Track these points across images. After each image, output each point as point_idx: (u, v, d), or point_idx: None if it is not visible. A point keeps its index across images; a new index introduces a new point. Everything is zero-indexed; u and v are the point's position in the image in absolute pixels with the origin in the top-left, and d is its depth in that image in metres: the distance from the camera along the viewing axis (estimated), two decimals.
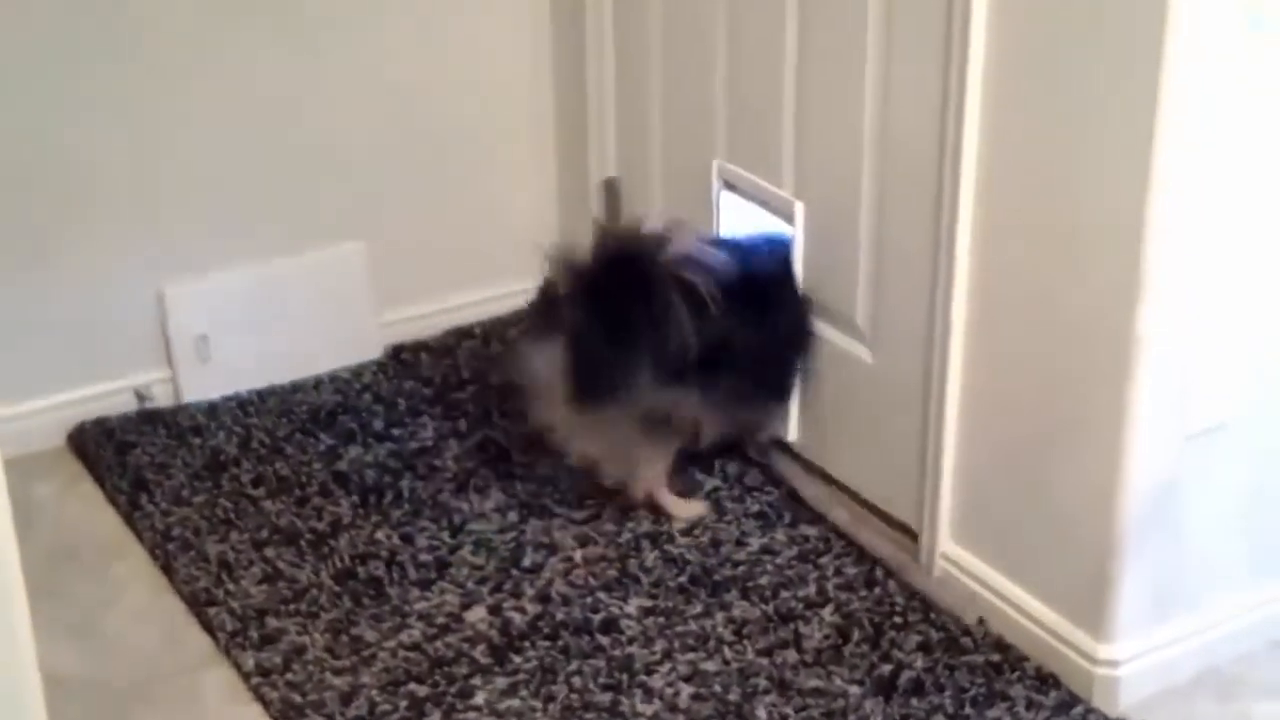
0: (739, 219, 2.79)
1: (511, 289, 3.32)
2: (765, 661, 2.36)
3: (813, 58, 2.56)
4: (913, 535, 2.56)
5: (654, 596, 2.50)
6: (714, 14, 2.75)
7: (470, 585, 2.53)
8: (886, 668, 2.34)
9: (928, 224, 2.37)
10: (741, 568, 2.56)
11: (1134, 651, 2.29)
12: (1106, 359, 2.14)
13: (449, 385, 3.09)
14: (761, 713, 2.27)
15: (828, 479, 2.74)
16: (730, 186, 2.80)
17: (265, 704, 2.32)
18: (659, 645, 2.40)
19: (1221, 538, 2.32)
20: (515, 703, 2.30)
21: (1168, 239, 2.05)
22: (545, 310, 2.57)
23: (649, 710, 2.29)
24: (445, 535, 2.65)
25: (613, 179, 3.14)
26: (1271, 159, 2.09)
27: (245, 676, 2.36)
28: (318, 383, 3.10)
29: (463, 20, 3.13)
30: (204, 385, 3.03)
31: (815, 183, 2.62)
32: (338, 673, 2.35)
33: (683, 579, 2.54)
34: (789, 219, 2.66)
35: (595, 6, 3.02)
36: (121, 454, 2.87)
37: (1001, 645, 2.38)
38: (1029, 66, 2.15)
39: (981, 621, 2.42)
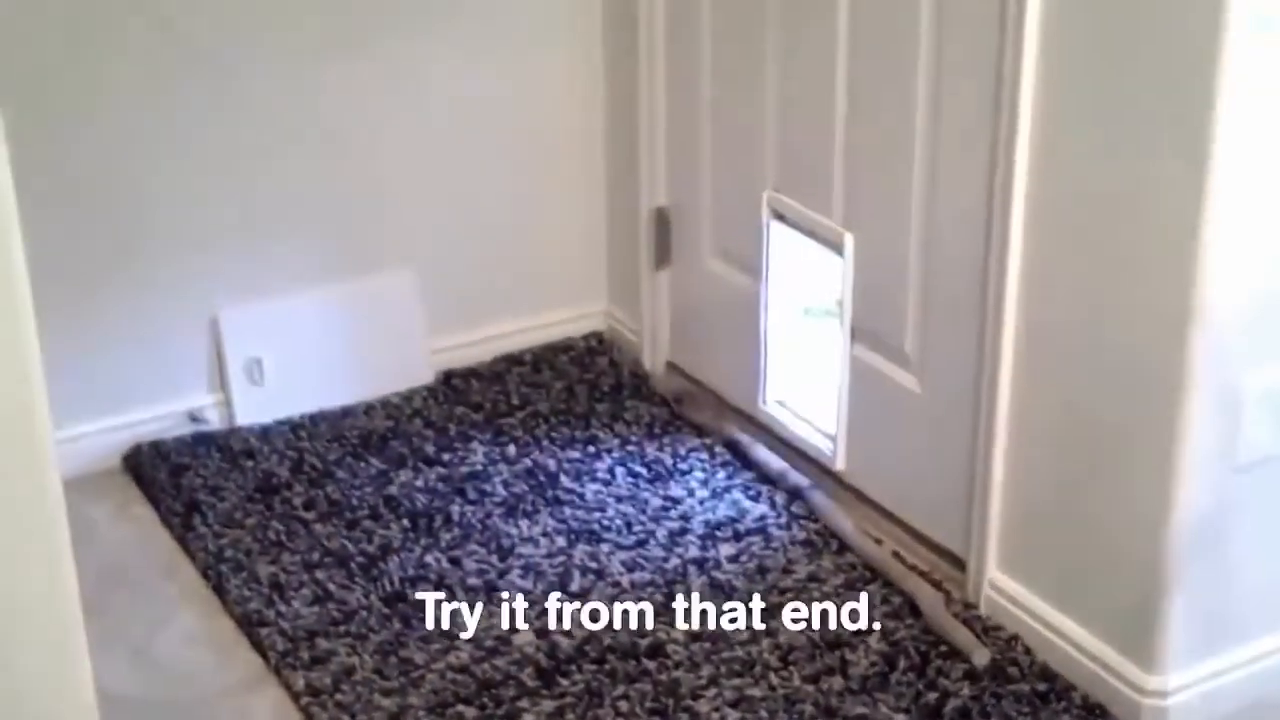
0: (789, 250, 2.81)
1: (561, 316, 3.35)
2: (811, 688, 2.37)
3: (863, 90, 2.58)
4: (960, 563, 2.57)
5: (701, 622, 2.51)
6: (764, 46, 2.77)
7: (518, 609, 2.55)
8: (932, 696, 2.34)
9: (977, 254, 2.37)
10: (788, 594, 2.57)
11: (1182, 682, 2.28)
12: (1155, 390, 2.14)
13: (499, 411, 3.11)
14: None
15: (875, 507, 2.75)
16: (779, 217, 2.82)
17: None
18: (705, 670, 2.40)
19: (1271, 570, 2.31)
20: None
21: (1219, 272, 2.05)
22: None
23: None
24: (494, 559, 2.67)
25: (663, 208, 3.16)
26: None
27: (295, 697, 2.39)
28: (369, 407, 3.13)
29: (515, 51, 3.16)
30: (257, 409, 3.07)
31: (864, 214, 2.63)
32: (386, 694, 2.37)
33: (730, 605, 2.54)
34: (838, 250, 2.67)
35: (647, 36, 3.04)
36: (175, 476, 2.90)
37: (1048, 674, 2.38)
38: (1080, 97, 2.16)
39: (1008, 653, 2.42)
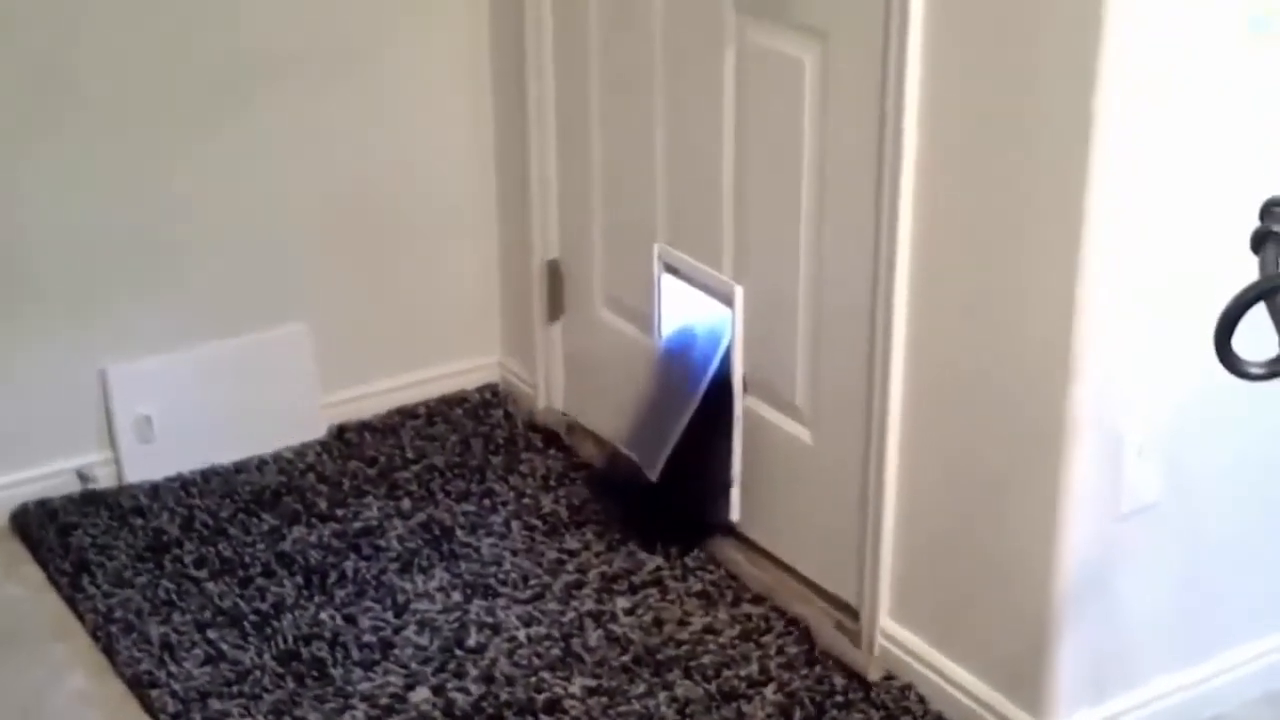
0: (680, 302, 2.84)
1: (454, 369, 3.35)
2: None
3: (750, 145, 2.61)
4: (854, 613, 2.59)
5: (598, 676, 2.51)
6: (653, 101, 2.80)
7: (414, 665, 2.53)
8: None
9: (864, 308, 2.41)
10: (685, 647, 2.58)
11: None
12: (1040, 443, 2.18)
13: (393, 465, 3.10)
14: None
15: (769, 557, 2.77)
16: (671, 270, 2.84)
17: None
18: None
19: (1156, 616, 2.35)
20: None
21: (1098, 325, 2.09)
22: None
23: None
24: (389, 615, 2.65)
25: (555, 261, 3.17)
26: (1196, 245, 2.15)
27: None
28: (261, 463, 3.10)
29: (405, 104, 3.17)
30: (147, 466, 3.03)
31: (754, 267, 2.67)
32: None
33: (626, 658, 2.55)
34: (729, 302, 2.70)
35: (537, 92, 3.06)
36: (64, 535, 2.86)
37: None
38: (961, 152, 2.20)
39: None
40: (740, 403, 2.74)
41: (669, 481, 2.79)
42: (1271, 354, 1.46)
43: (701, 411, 2.73)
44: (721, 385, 2.73)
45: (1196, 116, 2.07)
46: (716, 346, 2.73)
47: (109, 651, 2.59)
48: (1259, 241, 1.49)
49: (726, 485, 2.77)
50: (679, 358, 2.83)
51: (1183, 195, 2.11)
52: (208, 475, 3.05)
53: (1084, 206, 2.03)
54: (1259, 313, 1.44)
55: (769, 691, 2.47)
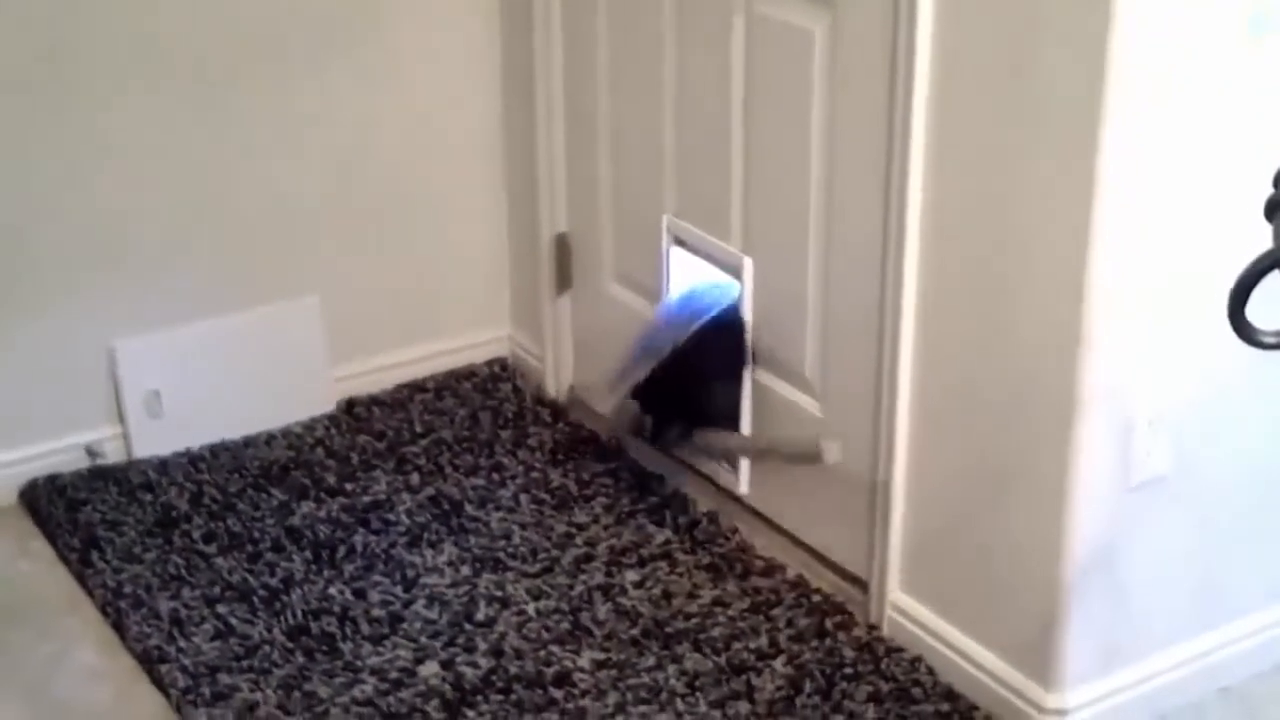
0: (688, 274, 2.83)
1: (464, 342, 3.35)
2: (718, 714, 2.37)
3: (760, 116, 2.60)
4: (863, 585, 2.59)
5: (607, 649, 2.51)
6: (661, 73, 2.79)
7: (423, 640, 2.53)
8: (838, 718, 2.36)
9: (873, 279, 2.40)
10: (694, 620, 2.57)
11: (1082, 700, 2.31)
12: (1049, 415, 2.17)
13: (401, 439, 3.10)
14: None
15: (779, 530, 2.76)
16: (680, 242, 2.83)
17: None
18: (612, 698, 2.40)
19: (1166, 588, 2.35)
20: None
21: (1107, 301, 2.08)
22: None
23: None
24: (398, 590, 2.65)
25: (563, 234, 3.17)
26: (1204, 220, 2.14)
27: None
28: (270, 438, 3.10)
29: (414, 79, 3.15)
30: (155, 441, 3.03)
31: (763, 239, 2.66)
32: None
33: (635, 631, 2.55)
34: (738, 274, 2.69)
35: (544, 65, 3.05)
36: (73, 511, 2.86)
37: (951, 695, 2.40)
38: (970, 131, 2.19)
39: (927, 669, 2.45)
40: (750, 374, 2.73)
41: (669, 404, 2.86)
42: None
43: (700, 346, 2.74)
44: (722, 330, 2.72)
45: (1197, 116, 2.06)
46: (716, 296, 2.72)
47: (118, 626, 2.59)
48: (1272, 209, 1.48)
49: (729, 413, 2.79)
50: (678, 306, 2.82)
51: (1187, 188, 2.10)
52: (216, 450, 3.05)
53: (1095, 182, 2.02)
54: (1273, 281, 1.43)
55: (778, 664, 2.47)
